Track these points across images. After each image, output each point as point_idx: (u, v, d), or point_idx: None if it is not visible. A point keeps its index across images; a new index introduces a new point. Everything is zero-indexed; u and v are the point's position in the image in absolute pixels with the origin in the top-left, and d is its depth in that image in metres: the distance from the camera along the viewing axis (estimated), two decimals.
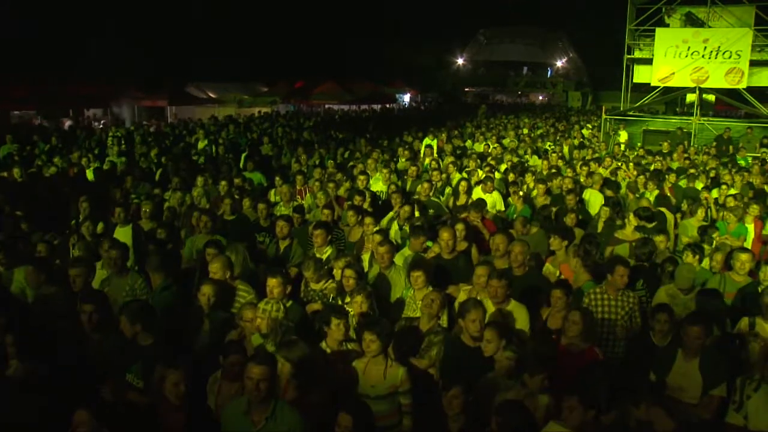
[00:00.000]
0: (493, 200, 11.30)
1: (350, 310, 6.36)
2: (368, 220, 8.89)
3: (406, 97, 55.49)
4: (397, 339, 5.71)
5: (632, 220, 9.39)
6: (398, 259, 8.16)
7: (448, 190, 12.07)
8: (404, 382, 5.27)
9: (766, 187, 13.40)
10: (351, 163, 15.55)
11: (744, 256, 7.39)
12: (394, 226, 9.87)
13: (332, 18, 53.64)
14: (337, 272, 7.26)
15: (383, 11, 57.55)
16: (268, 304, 5.72)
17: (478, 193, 11.25)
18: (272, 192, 12.48)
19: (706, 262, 8.28)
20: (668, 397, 5.41)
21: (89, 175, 14.32)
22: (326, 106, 43.94)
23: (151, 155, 16.94)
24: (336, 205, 10.64)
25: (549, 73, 67.17)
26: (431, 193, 11.25)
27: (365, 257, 8.35)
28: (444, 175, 12.66)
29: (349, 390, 5.30)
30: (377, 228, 8.77)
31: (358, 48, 53.32)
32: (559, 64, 66.29)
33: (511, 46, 64.69)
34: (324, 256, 8.04)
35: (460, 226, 8.51)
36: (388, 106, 48.87)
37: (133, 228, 9.20)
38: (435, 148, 17.82)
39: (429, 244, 8.32)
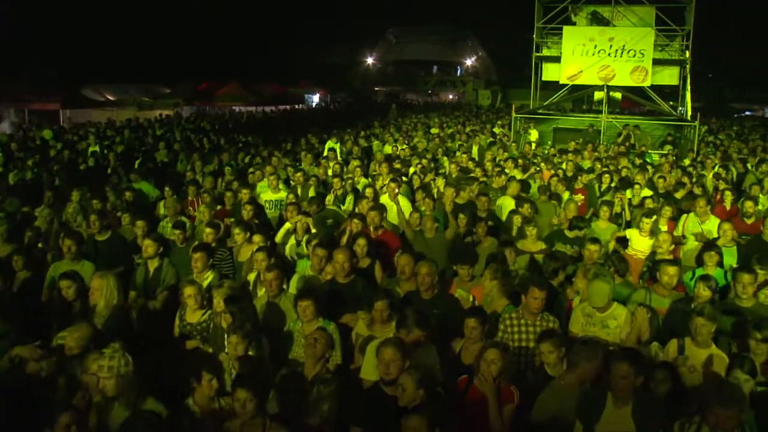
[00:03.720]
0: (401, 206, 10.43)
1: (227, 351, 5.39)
2: (257, 237, 7.89)
3: (315, 98, 54.34)
4: (279, 392, 4.73)
5: (532, 231, 8.63)
6: (294, 284, 7.22)
7: (349, 197, 11.13)
8: None
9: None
10: (250, 170, 14.41)
11: (672, 269, 6.72)
12: (291, 241, 8.89)
13: (238, 17, 52.01)
14: (216, 303, 6.23)
15: (290, 10, 56.32)
16: (113, 359, 4.52)
17: (384, 200, 10.32)
18: (161, 204, 11.28)
19: (633, 278, 7.59)
20: None
21: None
22: (233, 108, 42.34)
23: (29, 164, 15.33)
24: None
25: (459, 71, 67.32)
26: (329, 202, 10.34)
27: (251, 277, 7.33)
28: (349, 182, 11.65)
29: None
30: (262, 246, 7.67)
31: (265, 48, 51.91)
32: (468, 62, 66.52)
33: (421, 45, 64.32)
34: (204, 283, 6.97)
35: (362, 241, 7.65)
36: (297, 107, 47.65)
37: None
38: (338, 151, 16.86)
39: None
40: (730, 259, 8.26)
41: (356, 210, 10.07)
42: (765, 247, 8.55)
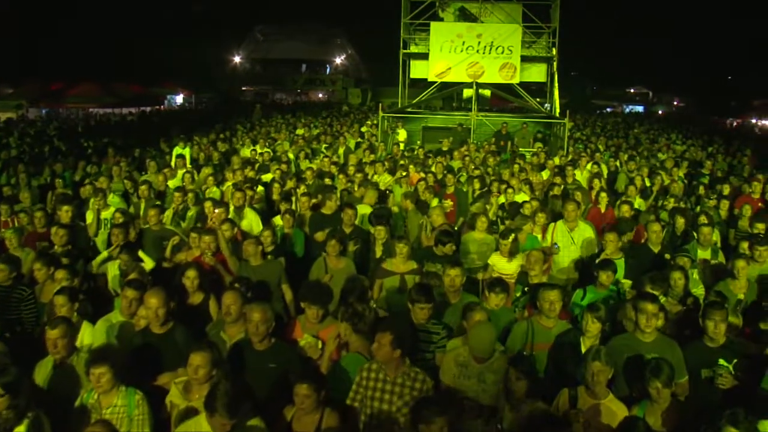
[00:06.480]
0: (249, 221, 9.10)
1: None
2: (60, 274, 6.34)
3: (179, 98, 51.70)
4: None
5: (402, 248, 7.35)
6: (100, 331, 5.75)
7: (191, 212, 9.63)
8: None
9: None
10: (87, 180, 12.58)
11: (553, 294, 5.71)
12: (113, 271, 7.38)
13: (95, 12, 48.56)
14: None
15: (151, 6, 53.40)
16: None
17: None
18: None
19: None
20: None
21: None
22: (89, 110, 39.27)
23: None
24: None
25: (328, 70, 66.23)
26: (168, 219, 8.85)
27: None
28: (190, 195, 10.07)
29: None
30: (64, 287, 6.09)
31: (125, 46, 48.82)
32: (338, 61, 65.57)
33: (289, 44, 62.79)
34: None
35: (191, 273, 6.28)
36: (161, 108, 44.96)
37: None
38: (188, 157, 15.18)
39: None
40: (618, 271, 7.47)
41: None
42: (652, 256, 7.85)
